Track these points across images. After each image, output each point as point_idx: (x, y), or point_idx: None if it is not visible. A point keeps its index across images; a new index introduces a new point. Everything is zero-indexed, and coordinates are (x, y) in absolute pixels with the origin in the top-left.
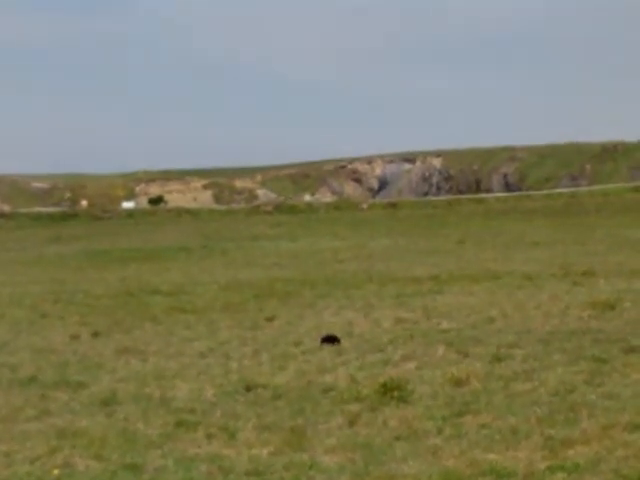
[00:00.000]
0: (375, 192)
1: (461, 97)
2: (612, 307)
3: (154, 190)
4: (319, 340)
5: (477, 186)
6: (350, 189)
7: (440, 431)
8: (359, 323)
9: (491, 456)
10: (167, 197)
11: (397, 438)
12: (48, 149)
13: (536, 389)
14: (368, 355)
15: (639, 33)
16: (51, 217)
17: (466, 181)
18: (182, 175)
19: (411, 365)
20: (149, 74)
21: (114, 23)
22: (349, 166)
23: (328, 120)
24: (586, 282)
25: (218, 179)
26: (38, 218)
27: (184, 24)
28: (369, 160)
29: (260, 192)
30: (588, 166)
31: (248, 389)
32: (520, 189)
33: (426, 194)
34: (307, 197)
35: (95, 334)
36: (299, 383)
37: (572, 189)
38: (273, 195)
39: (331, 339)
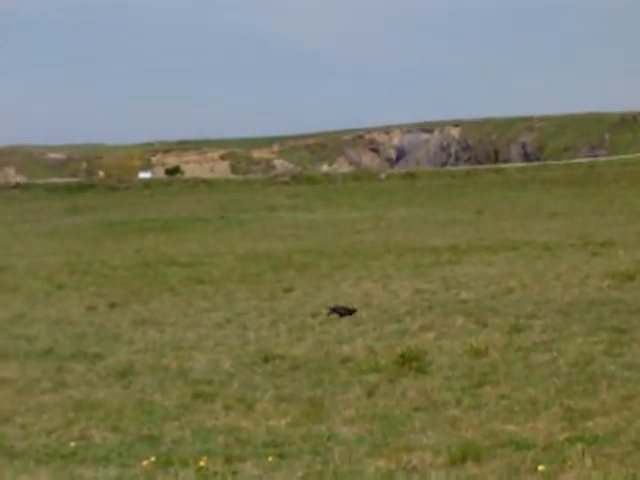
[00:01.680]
0: (393, 162)
1: (479, 67)
2: (631, 277)
3: (171, 160)
4: (328, 310)
5: (495, 156)
6: (368, 159)
7: (459, 402)
8: (377, 294)
9: (510, 427)
10: (184, 167)
11: (416, 409)
12: (64, 120)
13: (555, 360)
14: (386, 326)
15: None
16: (67, 188)
17: (484, 151)
18: (199, 145)
19: (429, 336)
20: (166, 46)
21: None
22: (367, 136)
23: (346, 90)
24: (605, 252)
25: (235, 149)
26: (54, 189)
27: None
28: (387, 130)
29: (277, 162)
30: (607, 136)
31: (266, 360)
32: (539, 159)
33: (444, 164)
34: (325, 167)
35: (112, 305)
36: (317, 354)
37: (591, 159)
38: (290, 165)
39: (341, 311)
